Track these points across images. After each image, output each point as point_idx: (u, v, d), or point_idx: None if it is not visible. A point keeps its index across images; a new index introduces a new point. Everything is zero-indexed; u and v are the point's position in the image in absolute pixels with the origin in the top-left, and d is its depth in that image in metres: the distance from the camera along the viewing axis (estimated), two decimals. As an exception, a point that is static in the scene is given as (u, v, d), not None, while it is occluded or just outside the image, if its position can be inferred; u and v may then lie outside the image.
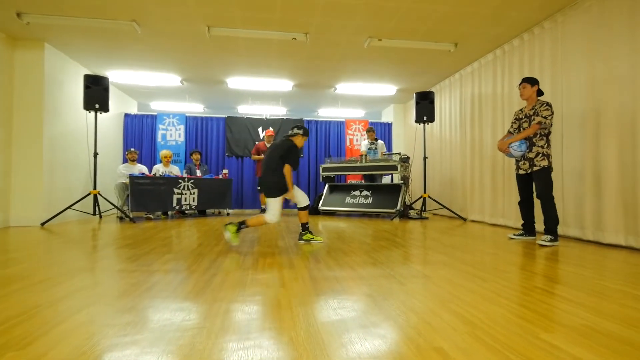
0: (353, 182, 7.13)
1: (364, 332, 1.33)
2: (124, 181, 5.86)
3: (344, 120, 8.51)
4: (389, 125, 8.56)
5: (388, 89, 7.10)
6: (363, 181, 7.22)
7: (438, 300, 1.72)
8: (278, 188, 3.25)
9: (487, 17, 4.18)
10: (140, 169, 6.19)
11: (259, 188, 6.73)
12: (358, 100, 8.10)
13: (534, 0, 3.79)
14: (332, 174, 6.63)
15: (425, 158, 5.97)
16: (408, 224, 5.22)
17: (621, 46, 3.33)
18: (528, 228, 3.71)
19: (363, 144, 7.02)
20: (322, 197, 6.68)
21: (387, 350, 1.19)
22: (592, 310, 1.60)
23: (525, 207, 3.70)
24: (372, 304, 1.67)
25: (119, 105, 7.49)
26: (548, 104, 3.38)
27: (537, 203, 3.66)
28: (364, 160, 6.16)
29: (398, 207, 5.78)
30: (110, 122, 7.11)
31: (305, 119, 8.37)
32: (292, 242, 3.50)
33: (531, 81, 3.51)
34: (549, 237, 3.34)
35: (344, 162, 6.47)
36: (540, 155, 3.42)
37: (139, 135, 7.78)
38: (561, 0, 3.79)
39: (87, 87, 5.15)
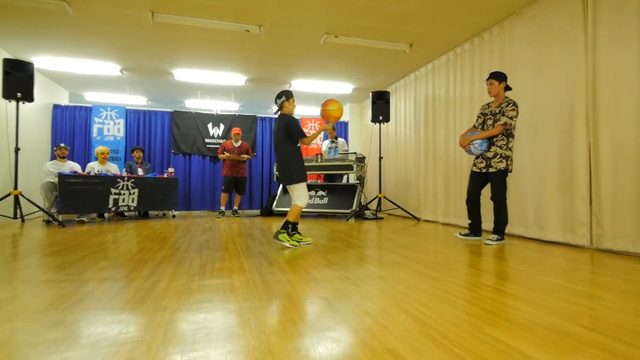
0: (309, 181, 6.99)
1: (317, 337, 1.31)
2: (52, 180, 5.23)
3: (299, 118, 8.35)
4: (345, 124, 8.56)
5: (344, 87, 7.08)
6: (319, 181, 7.12)
7: (392, 301, 1.73)
8: (297, 173, 3.26)
9: (441, 20, 4.25)
10: (71, 166, 5.56)
11: (222, 188, 6.42)
12: (314, 98, 8.00)
13: (484, 6, 3.91)
14: (286, 173, 6.44)
15: (380, 158, 6.00)
16: (363, 224, 5.20)
17: (561, 54, 3.52)
18: (474, 229, 3.65)
19: (324, 143, 6.90)
20: (276, 198, 6.49)
21: (341, 354, 1.18)
22: (533, 304, 1.70)
23: (472, 205, 3.61)
24: (327, 307, 1.64)
25: (47, 94, 6.71)
26: (514, 104, 3.28)
27: (485, 203, 3.67)
28: (319, 160, 6.05)
29: (354, 207, 5.75)
30: (36, 114, 6.33)
31: (259, 115, 8.10)
32: (244, 245, 3.30)
33: (498, 77, 3.37)
34: (495, 236, 3.41)
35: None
36: (499, 156, 3.34)
37: (71, 129, 7.01)
38: (508, 8, 3.95)
39: (7, 73, 4.54)
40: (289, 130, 3.24)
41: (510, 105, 3.30)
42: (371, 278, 2.16)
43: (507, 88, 3.45)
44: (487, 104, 3.57)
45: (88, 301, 1.70)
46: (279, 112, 3.36)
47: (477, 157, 3.57)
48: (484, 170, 3.48)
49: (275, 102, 3.33)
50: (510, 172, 3.42)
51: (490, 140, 3.42)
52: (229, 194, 6.48)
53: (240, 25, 4.36)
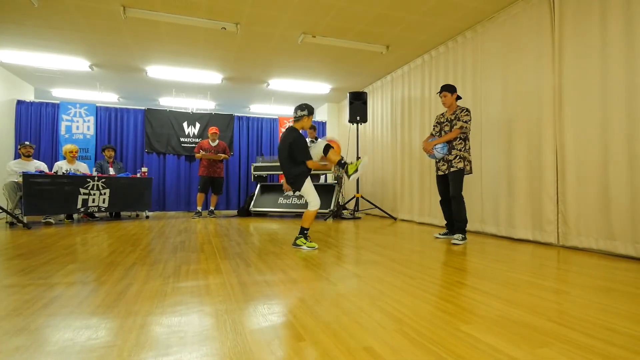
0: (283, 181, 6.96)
1: (294, 338, 1.30)
2: (16, 180, 4.97)
3: (277, 117, 8.30)
4: (323, 124, 8.57)
5: (322, 87, 7.08)
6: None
7: (368, 300, 1.75)
8: (302, 176, 3.26)
9: (416, 23, 4.32)
10: (37, 165, 5.30)
11: (199, 187, 6.27)
12: (292, 97, 7.97)
13: (457, 10, 4.01)
14: (264, 173, 6.40)
15: (358, 158, 6.03)
16: (341, 224, 5.23)
17: (530, 59, 3.65)
18: (451, 227, 3.81)
19: None
20: (254, 198, 6.41)
21: (318, 354, 1.18)
22: (505, 300, 1.75)
23: (446, 207, 3.82)
24: (304, 307, 1.64)
25: (10, 90, 6.36)
26: (467, 110, 3.56)
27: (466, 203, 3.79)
28: (297, 159, 6.02)
29: (332, 207, 5.77)
30: (-3, 110, 6.00)
31: (236, 114, 7.99)
32: (220, 246, 3.24)
33: (450, 89, 3.68)
34: (460, 235, 3.52)
35: (277, 161, 6.27)
36: (458, 157, 3.57)
37: (36, 126, 6.67)
38: (480, 13, 4.06)
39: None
40: (292, 149, 3.19)
41: (464, 111, 3.58)
42: (348, 277, 2.17)
43: (458, 97, 3.74)
44: (442, 114, 3.83)
45: (55, 306, 1.62)
46: (293, 124, 3.31)
47: (438, 161, 3.75)
48: (446, 172, 3.67)
49: (295, 112, 3.26)
50: (468, 173, 3.61)
51: (450, 144, 3.63)
52: (205, 194, 6.36)
53: (217, 22, 4.28)
